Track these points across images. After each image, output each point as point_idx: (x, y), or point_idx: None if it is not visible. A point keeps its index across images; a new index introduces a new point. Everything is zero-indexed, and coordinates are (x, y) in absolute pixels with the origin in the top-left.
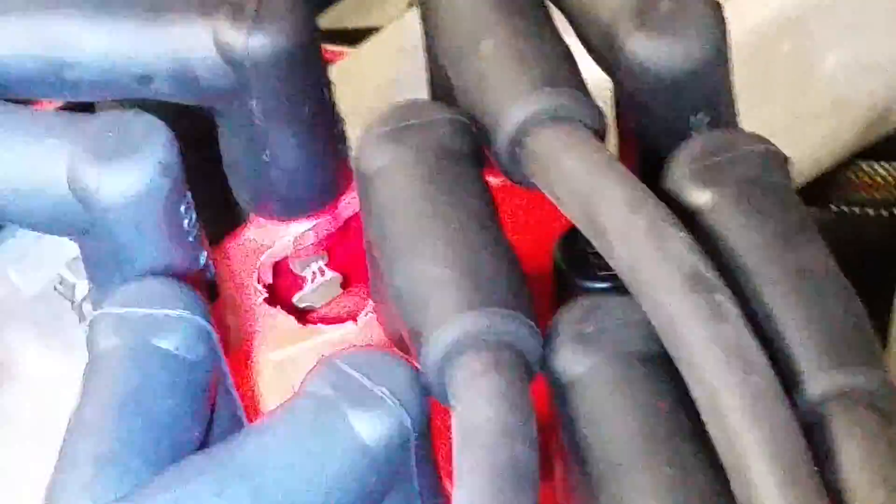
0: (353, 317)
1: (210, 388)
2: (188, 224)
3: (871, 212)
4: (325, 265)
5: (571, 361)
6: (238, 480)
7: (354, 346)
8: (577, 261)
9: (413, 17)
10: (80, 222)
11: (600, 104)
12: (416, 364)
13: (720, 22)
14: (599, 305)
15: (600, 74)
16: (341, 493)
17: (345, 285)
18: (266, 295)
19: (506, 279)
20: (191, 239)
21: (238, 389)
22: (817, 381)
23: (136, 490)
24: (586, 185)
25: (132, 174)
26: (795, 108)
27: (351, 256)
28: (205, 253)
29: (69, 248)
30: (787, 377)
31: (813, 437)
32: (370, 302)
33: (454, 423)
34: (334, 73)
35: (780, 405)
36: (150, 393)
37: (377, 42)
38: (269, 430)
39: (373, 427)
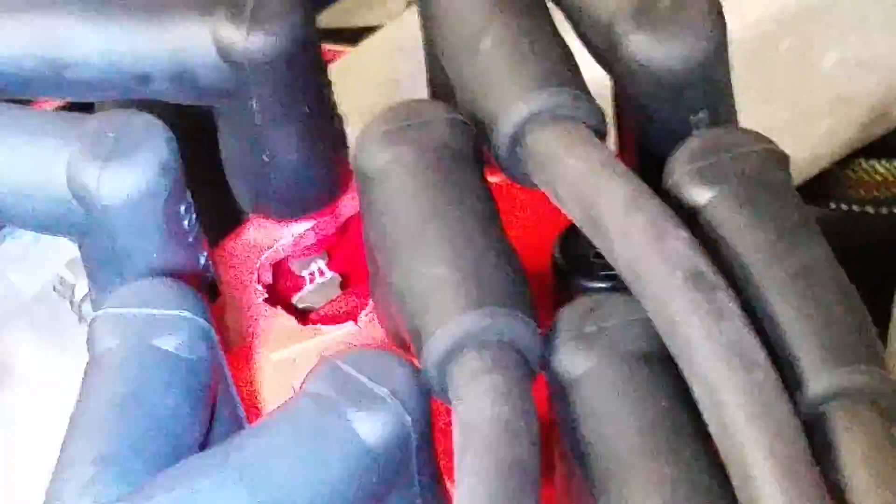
0: (353, 317)
1: (210, 388)
2: (188, 224)
3: (870, 210)
4: (325, 265)
5: (572, 360)
6: (238, 481)
7: (355, 346)
8: (577, 260)
9: (412, 16)
10: (79, 222)
11: (600, 103)
12: (417, 364)
13: (720, 21)
14: (600, 304)
15: (600, 73)
16: (342, 493)
17: (345, 285)
18: (266, 295)
19: (506, 278)
20: (190, 239)
21: (238, 390)
22: (818, 380)
23: (136, 490)
24: (587, 184)
25: (132, 174)
26: (795, 106)
27: (351, 256)
28: (205, 253)
29: (68, 248)
30: (788, 376)
31: (814, 435)
32: (370, 302)
33: (455, 422)
34: (333, 72)
35: (781, 403)
36: (150, 393)
37: (376, 41)
38: (270, 431)
39: (373, 427)
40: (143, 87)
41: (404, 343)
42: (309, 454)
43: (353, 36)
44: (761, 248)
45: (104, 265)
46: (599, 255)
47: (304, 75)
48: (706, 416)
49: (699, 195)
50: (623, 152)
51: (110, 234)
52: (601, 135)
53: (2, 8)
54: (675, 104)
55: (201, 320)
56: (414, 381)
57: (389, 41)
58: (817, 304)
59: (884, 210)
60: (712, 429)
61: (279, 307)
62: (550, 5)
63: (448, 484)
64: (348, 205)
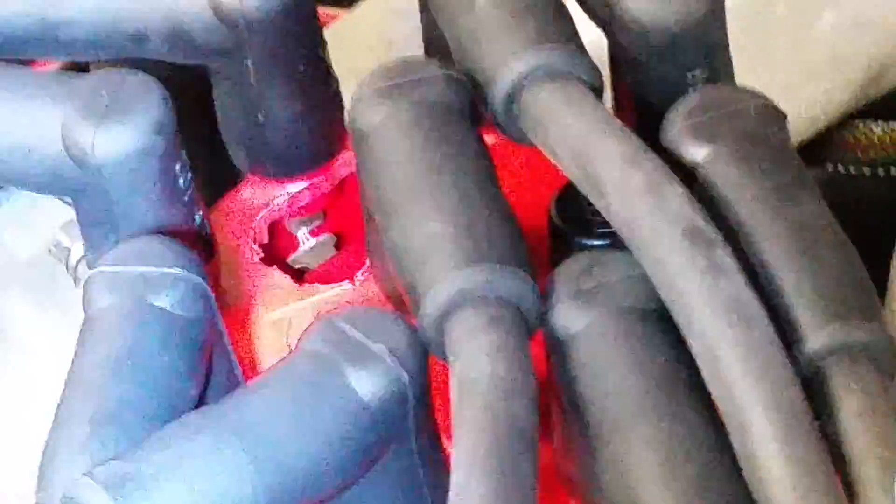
0: (349, 276)
1: (206, 346)
2: (183, 183)
3: (867, 171)
4: (321, 225)
5: (570, 317)
6: (235, 438)
7: (351, 304)
8: (574, 217)
9: None
10: (74, 182)
11: (596, 61)
12: (414, 321)
13: None
14: (598, 261)
15: (597, 32)
16: (339, 450)
17: (341, 245)
18: (262, 254)
19: (503, 235)
20: (186, 198)
21: (235, 348)
22: (816, 336)
23: (133, 448)
24: (583, 142)
25: (126, 133)
26: (792, 68)
27: (347, 215)
28: (200, 212)
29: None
30: (786, 332)
31: (812, 391)
32: (367, 260)
33: (452, 379)
34: (328, 34)
35: (778, 359)
36: (146, 351)
37: (371, 4)
38: (267, 388)
39: (371, 384)
40: (139, 47)
41: (401, 301)
42: (306, 411)
43: None
44: (758, 204)
45: (99, 224)
46: (596, 213)
47: (298, 34)
48: (704, 372)
49: (696, 152)
50: (620, 111)
51: (105, 194)
52: (598, 92)
53: None
54: (672, 62)
55: (197, 278)
56: (411, 339)
57: (384, 3)
58: (815, 260)
59: (880, 171)
60: (710, 385)
61: (275, 266)
62: None
63: (445, 441)
64: (344, 164)
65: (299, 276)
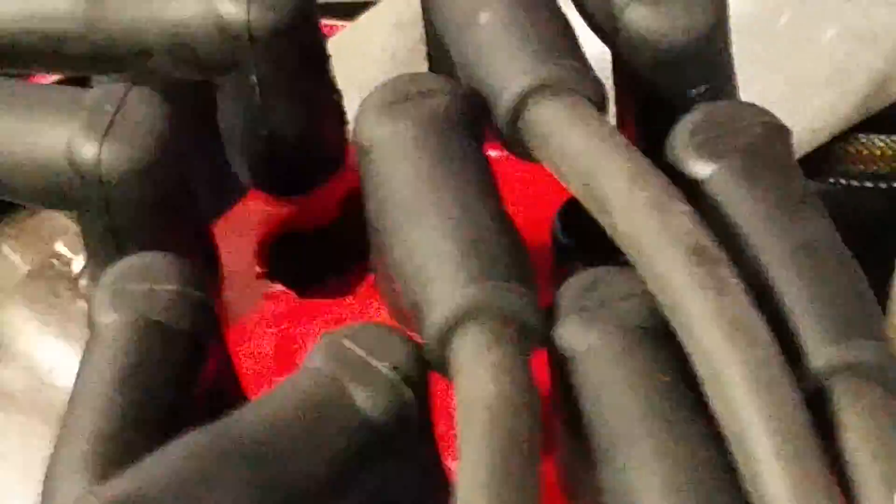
0: (353, 292)
1: (210, 362)
2: (187, 197)
3: (869, 184)
4: (325, 240)
5: (574, 335)
6: (239, 456)
7: (355, 321)
8: (578, 234)
9: None
10: (78, 197)
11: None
12: (418, 338)
13: None
14: (601, 279)
15: (600, 47)
16: (342, 467)
17: (344, 261)
18: (265, 270)
19: (507, 252)
20: (189, 213)
21: (238, 365)
22: (820, 354)
23: (135, 465)
24: (587, 158)
25: (130, 148)
26: (794, 80)
27: (351, 231)
28: (203, 227)
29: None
30: (790, 350)
31: (816, 410)
32: (371, 276)
33: (456, 397)
34: (331, 47)
35: (783, 378)
36: (149, 368)
37: (374, 16)
38: (271, 406)
39: (374, 402)
40: (142, 62)
41: (405, 318)
42: (310, 429)
43: (350, 10)
44: (763, 222)
45: (103, 240)
46: (600, 230)
47: (303, 49)
48: (708, 392)
49: (700, 169)
50: (623, 126)
51: (109, 209)
52: (602, 108)
53: None
54: (676, 78)
55: (201, 295)
56: (415, 356)
57: (387, 16)
58: (819, 279)
59: (883, 185)
60: (714, 404)
61: (279, 282)
62: None
63: (449, 460)
64: (347, 179)
65: (303, 291)
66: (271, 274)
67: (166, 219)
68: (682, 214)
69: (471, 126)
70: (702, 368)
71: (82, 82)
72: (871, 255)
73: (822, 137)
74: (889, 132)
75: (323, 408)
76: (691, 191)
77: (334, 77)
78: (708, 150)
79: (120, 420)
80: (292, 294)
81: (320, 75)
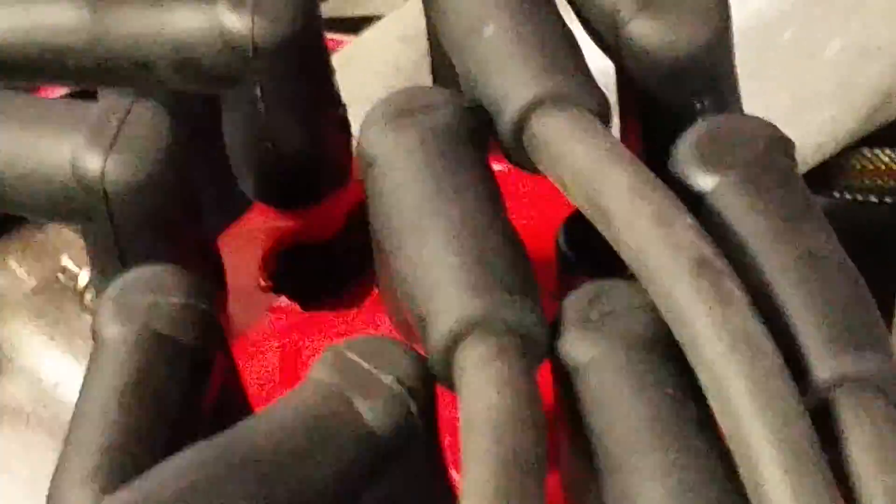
0: (358, 304)
1: (215, 375)
2: (192, 211)
3: (874, 199)
4: (330, 253)
5: (578, 348)
6: (243, 468)
7: (360, 333)
8: (582, 247)
9: (414, 5)
10: (83, 210)
11: (604, 89)
12: (422, 351)
13: (723, 6)
14: (605, 291)
15: (604, 60)
16: (347, 479)
17: (349, 273)
18: (270, 282)
19: (511, 264)
20: (194, 226)
21: (243, 377)
22: (825, 367)
23: (141, 477)
24: (591, 171)
25: (135, 161)
26: (798, 94)
27: (355, 244)
28: (209, 240)
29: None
30: (794, 363)
31: (821, 422)
32: (375, 289)
33: (461, 410)
34: (335, 61)
35: (787, 391)
36: (154, 381)
37: (378, 30)
38: (276, 418)
39: (379, 414)
40: (147, 75)
41: (409, 330)
42: (314, 441)
43: (355, 25)
44: (767, 235)
45: (108, 252)
46: (605, 242)
47: (308, 62)
48: (712, 404)
49: (704, 182)
50: (627, 139)
51: (114, 222)
52: (606, 121)
53: None
54: (680, 91)
55: (206, 307)
56: (419, 369)
57: (391, 30)
58: (823, 291)
59: (887, 199)
60: (719, 416)
61: (283, 295)
62: None
63: (453, 473)
64: (352, 192)
65: (308, 303)
66: (276, 287)
67: (171, 231)
68: (686, 227)
69: (475, 139)
70: (706, 380)
71: (90, 95)
72: (877, 269)
73: (827, 151)
74: (893, 146)
75: (328, 420)
76: (695, 203)
77: (339, 90)
78: (712, 162)
79: (125, 432)
80: (297, 307)
81: (325, 88)
